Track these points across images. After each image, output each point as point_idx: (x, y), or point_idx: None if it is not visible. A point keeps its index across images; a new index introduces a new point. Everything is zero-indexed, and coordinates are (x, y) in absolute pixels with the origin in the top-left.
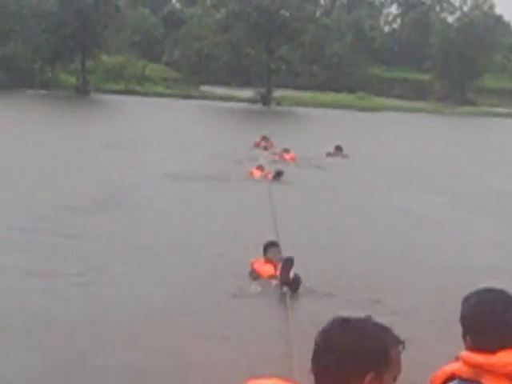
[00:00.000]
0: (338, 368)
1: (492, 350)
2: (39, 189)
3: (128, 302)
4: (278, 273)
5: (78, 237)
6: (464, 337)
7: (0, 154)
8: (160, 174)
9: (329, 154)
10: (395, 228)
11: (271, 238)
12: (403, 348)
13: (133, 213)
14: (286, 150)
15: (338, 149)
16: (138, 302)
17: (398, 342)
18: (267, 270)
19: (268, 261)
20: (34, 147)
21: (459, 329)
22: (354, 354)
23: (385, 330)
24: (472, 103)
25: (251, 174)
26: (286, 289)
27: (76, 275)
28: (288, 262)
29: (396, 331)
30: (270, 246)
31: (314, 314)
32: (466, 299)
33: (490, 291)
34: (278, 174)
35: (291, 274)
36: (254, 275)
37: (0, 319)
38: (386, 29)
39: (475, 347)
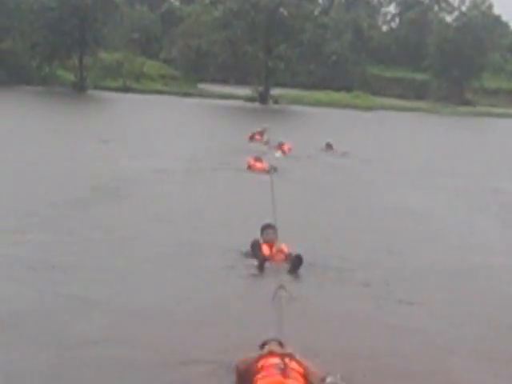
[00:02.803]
0: None
1: None
2: (36, 183)
3: (128, 291)
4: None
5: (77, 229)
6: None
7: None
8: (158, 167)
9: (321, 151)
10: (390, 219)
11: (268, 220)
12: None
13: (131, 205)
14: (282, 143)
15: (329, 146)
16: (140, 289)
17: None
18: (264, 249)
19: (265, 241)
20: (31, 143)
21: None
22: None
23: None
24: (470, 103)
25: (250, 165)
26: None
27: (74, 267)
28: (298, 261)
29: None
30: (267, 228)
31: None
32: None
33: None
34: (274, 168)
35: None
36: (252, 255)
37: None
38: (384, 28)
39: None
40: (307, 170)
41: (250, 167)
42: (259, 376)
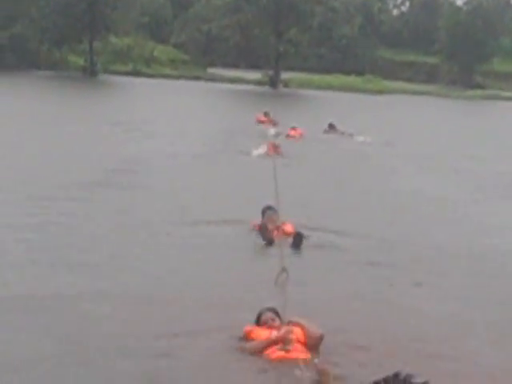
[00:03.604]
0: None
1: None
2: (47, 166)
3: (138, 273)
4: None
5: (88, 212)
6: None
7: (8, 133)
8: (169, 150)
9: (324, 132)
10: (401, 201)
11: (269, 203)
12: None
13: (142, 187)
14: (294, 128)
15: (332, 127)
16: (149, 271)
17: None
18: (269, 231)
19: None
20: (42, 127)
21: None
22: None
23: None
24: (480, 87)
25: (260, 148)
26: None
27: (84, 251)
28: (298, 237)
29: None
30: (267, 210)
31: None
32: None
33: None
34: (278, 151)
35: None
36: (258, 236)
37: (4, 296)
38: (395, 12)
39: None
40: (318, 153)
41: (260, 149)
42: (265, 351)
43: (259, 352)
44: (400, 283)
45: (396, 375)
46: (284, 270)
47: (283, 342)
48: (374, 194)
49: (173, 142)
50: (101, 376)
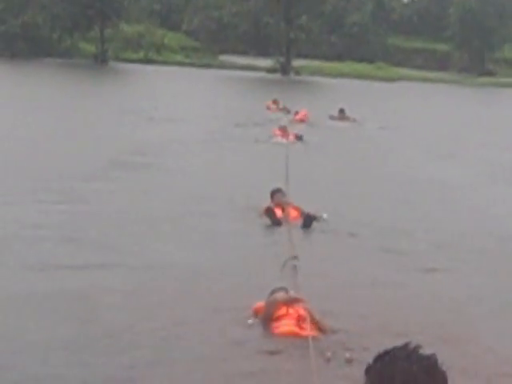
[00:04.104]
0: None
1: None
2: (59, 153)
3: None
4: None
5: (98, 198)
6: None
7: (20, 122)
8: (180, 137)
9: (332, 118)
10: (413, 188)
11: (278, 185)
12: None
13: (153, 173)
14: (297, 112)
15: (342, 112)
16: (160, 255)
17: None
18: (276, 213)
19: (277, 205)
20: (54, 114)
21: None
22: None
23: None
24: (491, 74)
25: (274, 135)
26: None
27: (98, 237)
28: (309, 219)
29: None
30: (276, 192)
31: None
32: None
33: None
34: (299, 137)
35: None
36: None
37: (23, 286)
38: None
39: None
40: (328, 138)
41: (275, 137)
42: (276, 325)
43: (270, 319)
44: (414, 269)
45: (405, 345)
46: (294, 257)
47: (298, 317)
48: (385, 181)
49: (183, 129)
50: (113, 362)
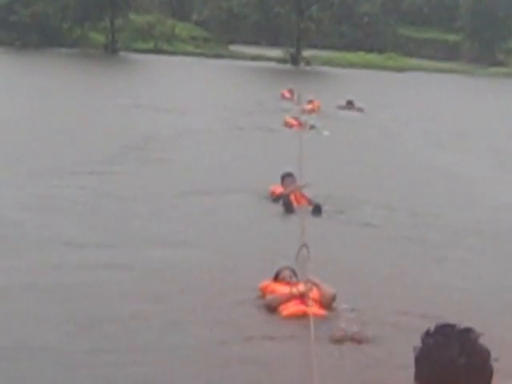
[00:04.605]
0: None
1: None
2: (69, 142)
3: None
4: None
5: (107, 186)
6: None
7: (31, 111)
8: (191, 127)
9: (340, 107)
10: (423, 178)
11: (289, 169)
12: None
13: (165, 162)
14: (311, 101)
15: (350, 103)
16: (172, 240)
17: None
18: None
19: (292, 192)
20: (64, 104)
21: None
22: None
23: None
24: (502, 64)
25: (287, 123)
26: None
27: (105, 222)
28: (317, 209)
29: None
30: (286, 176)
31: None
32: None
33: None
34: (312, 126)
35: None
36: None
37: (28, 274)
38: None
39: None
40: (339, 128)
41: (286, 125)
42: (282, 305)
43: (277, 305)
44: (426, 257)
45: (466, 330)
46: (304, 245)
47: (302, 297)
48: (397, 170)
49: (195, 118)
50: (125, 347)
